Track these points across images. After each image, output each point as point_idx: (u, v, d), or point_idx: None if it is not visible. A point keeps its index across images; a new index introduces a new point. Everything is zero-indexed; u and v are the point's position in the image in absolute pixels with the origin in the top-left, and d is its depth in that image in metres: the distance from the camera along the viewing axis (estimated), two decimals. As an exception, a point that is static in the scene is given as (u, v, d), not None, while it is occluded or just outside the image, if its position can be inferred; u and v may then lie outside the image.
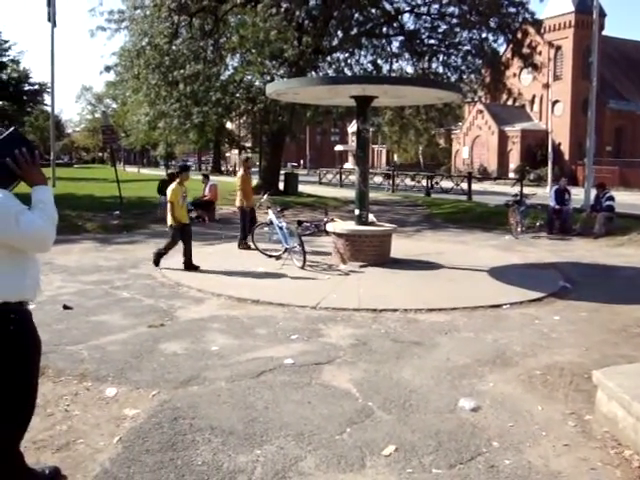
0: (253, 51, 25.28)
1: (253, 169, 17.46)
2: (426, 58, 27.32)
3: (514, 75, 30.89)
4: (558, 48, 54.44)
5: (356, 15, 26.64)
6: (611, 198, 17.11)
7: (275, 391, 5.51)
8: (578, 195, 21.86)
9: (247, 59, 26.06)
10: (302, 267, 11.09)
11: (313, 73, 26.01)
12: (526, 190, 24.79)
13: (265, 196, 14.65)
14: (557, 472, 4.19)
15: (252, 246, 13.04)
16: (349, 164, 75.78)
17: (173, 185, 11.03)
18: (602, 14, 52.20)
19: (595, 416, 5.03)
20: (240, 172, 13.95)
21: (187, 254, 11.09)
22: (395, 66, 28.46)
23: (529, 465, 4.27)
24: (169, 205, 10.95)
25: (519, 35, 26.78)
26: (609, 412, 4.82)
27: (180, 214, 11.02)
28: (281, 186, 29.94)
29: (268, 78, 24.93)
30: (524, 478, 4.10)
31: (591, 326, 7.91)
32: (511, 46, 27.34)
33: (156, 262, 11.20)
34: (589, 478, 4.13)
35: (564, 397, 5.50)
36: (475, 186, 34.15)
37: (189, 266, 11.04)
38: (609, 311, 8.68)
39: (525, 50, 26.92)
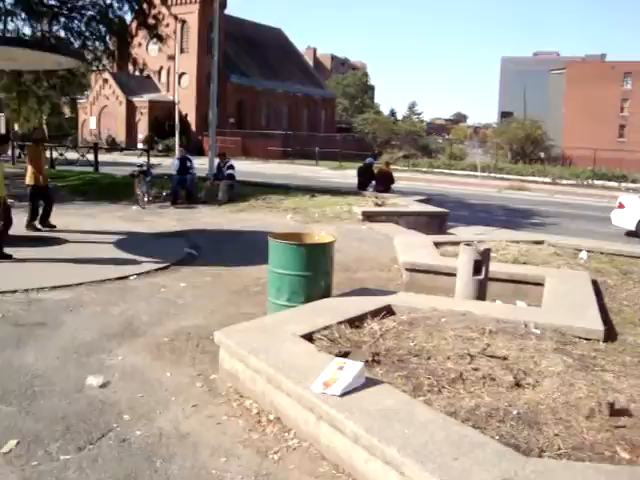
0: None
1: None
2: (46, 20, 25.42)
3: (139, 45, 30.44)
4: (184, 22, 55.48)
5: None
6: (231, 167, 18.14)
7: None
8: (204, 165, 22.71)
9: None
10: None
11: None
12: (154, 160, 24.98)
13: None
14: (186, 433, 4.32)
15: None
16: (-39, 133, 67.81)
17: None
18: (223, -7, 54.54)
19: (220, 374, 5.28)
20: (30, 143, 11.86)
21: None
22: (10, 26, 25.86)
23: (160, 432, 4.32)
24: None
25: (145, 5, 26.46)
26: (231, 368, 5.10)
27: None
28: None
29: None
30: (154, 445, 4.14)
31: (215, 289, 8.30)
32: (137, 15, 26.87)
33: None
34: (216, 432, 4.34)
35: (191, 360, 5.68)
36: (103, 157, 33.38)
37: None
38: (232, 273, 9.19)
39: (151, 21, 26.64)
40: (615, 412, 4.27)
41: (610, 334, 6.25)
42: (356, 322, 5.76)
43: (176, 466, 3.91)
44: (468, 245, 7.44)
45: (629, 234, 17.07)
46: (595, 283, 8.41)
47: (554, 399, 4.41)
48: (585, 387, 4.64)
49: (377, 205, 15.69)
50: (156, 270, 9.17)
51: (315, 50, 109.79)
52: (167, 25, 29.33)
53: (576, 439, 3.91)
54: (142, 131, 60.96)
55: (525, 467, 3.27)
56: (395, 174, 21.55)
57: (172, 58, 48.92)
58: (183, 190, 17.40)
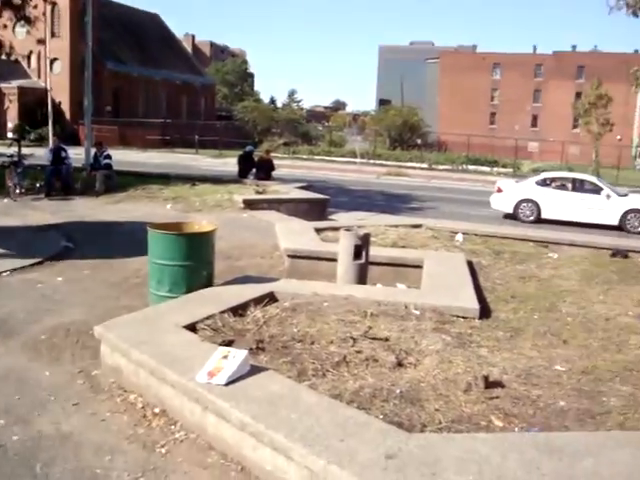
0: None
1: None
2: None
3: (5, 27, 28.56)
4: (54, 4, 52.71)
5: None
6: (108, 156, 17.56)
7: None
8: (80, 154, 21.85)
9: None
10: None
11: None
12: (25, 150, 23.75)
13: None
14: (68, 433, 4.18)
15: None
16: None
17: None
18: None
19: (102, 370, 5.14)
20: None
21: None
22: None
23: (39, 434, 4.16)
24: None
25: (11, -16, 24.87)
26: (114, 363, 4.97)
27: None
28: None
29: None
30: (34, 449, 3.99)
31: (94, 283, 8.04)
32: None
33: None
34: (99, 430, 4.23)
35: (71, 357, 5.49)
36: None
37: None
38: (111, 266, 8.91)
39: (16, 1, 25.10)
40: (490, 384, 4.52)
41: (485, 312, 6.59)
42: (239, 310, 5.76)
43: (58, 469, 3.78)
44: (348, 230, 7.59)
45: (507, 216, 18.02)
46: (470, 264, 8.82)
47: (434, 376, 4.60)
48: (462, 363, 4.87)
49: (258, 193, 15.68)
50: (31, 265, 8.74)
51: (194, 37, 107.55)
52: (35, 6, 27.71)
53: (455, 412, 4.10)
54: (12, 119, 57.69)
55: (408, 443, 3.40)
56: (276, 161, 21.60)
57: (42, 42, 46.42)
58: (58, 181, 16.64)
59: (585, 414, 4.37)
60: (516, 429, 4.01)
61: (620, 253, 10.89)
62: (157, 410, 4.43)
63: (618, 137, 57.42)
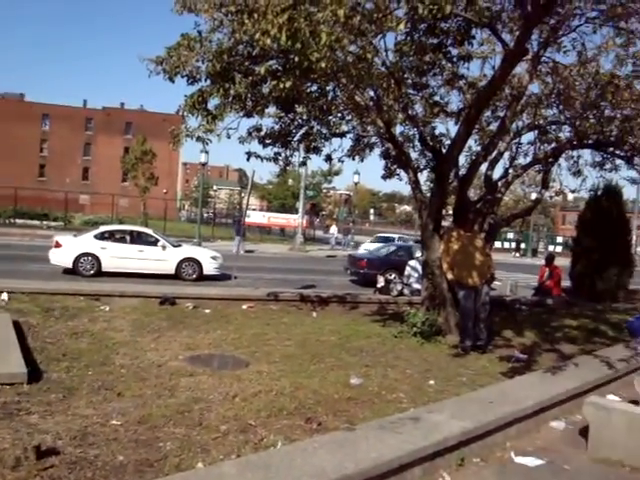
0: None
1: None
2: None
3: None
4: None
5: None
6: None
7: None
8: None
9: None
10: None
11: None
12: None
13: None
14: None
15: None
16: None
17: None
18: None
19: None
20: None
21: None
22: None
23: None
24: None
25: None
26: None
27: None
28: None
29: None
30: None
31: None
32: None
33: None
34: None
35: None
36: None
37: None
38: None
39: None
40: (42, 454, 4.22)
41: (35, 375, 6.19)
42: None
43: None
44: None
45: (67, 271, 17.37)
46: (17, 324, 8.25)
47: (-24, 460, 4.10)
48: (9, 436, 4.48)
49: None
50: None
51: None
52: None
53: (4, 494, 3.71)
54: None
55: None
56: None
57: None
58: None
59: (144, 464, 4.38)
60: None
61: (168, 300, 11.46)
62: None
63: (164, 190, 61.07)
